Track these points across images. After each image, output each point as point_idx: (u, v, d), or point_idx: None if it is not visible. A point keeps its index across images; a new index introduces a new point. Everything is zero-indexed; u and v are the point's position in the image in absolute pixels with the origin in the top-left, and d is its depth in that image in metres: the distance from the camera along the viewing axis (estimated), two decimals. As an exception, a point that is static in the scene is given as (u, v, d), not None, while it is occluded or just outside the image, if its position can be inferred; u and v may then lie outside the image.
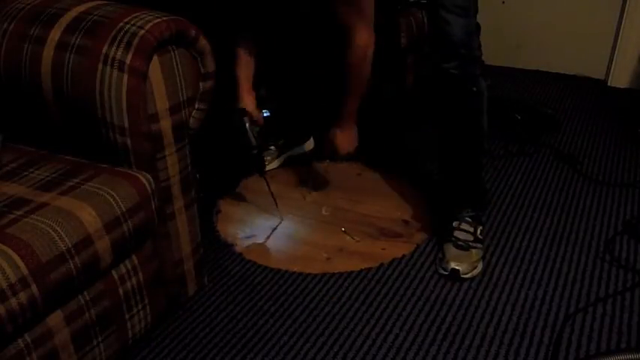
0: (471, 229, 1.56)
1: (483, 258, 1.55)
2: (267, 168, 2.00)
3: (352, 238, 1.66)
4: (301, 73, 2.01)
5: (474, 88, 1.47)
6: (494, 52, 2.81)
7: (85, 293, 1.06)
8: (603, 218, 1.73)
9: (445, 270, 1.49)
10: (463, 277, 1.48)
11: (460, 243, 1.53)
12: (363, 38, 1.58)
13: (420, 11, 2.21)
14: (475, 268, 1.50)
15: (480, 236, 1.57)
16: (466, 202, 1.60)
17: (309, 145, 2.15)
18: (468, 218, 1.57)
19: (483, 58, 2.10)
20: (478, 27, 1.52)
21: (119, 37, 1.13)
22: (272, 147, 2.07)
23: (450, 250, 1.52)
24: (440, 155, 1.63)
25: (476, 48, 1.50)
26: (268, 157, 2.04)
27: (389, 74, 2.19)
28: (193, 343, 1.31)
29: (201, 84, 1.27)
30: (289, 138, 2.11)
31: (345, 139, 1.77)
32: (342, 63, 1.63)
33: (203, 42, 1.22)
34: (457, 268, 1.47)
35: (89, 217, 1.02)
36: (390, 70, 2.19)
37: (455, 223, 1.57)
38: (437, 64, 1.45)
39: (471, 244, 1.53)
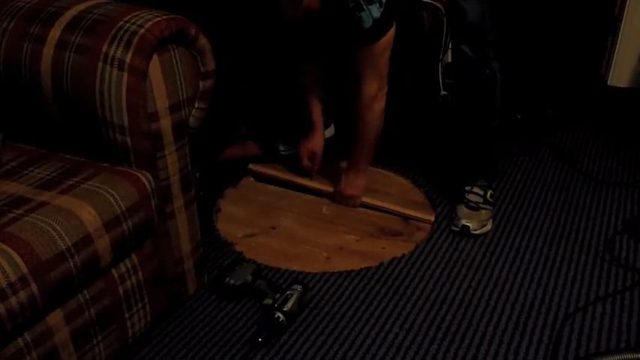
0: (482, 192, 1.72)
1: (493, 219, 1.71)
2: (294, 152, 2.07)
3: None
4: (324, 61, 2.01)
5: (487, 71, 1.61)
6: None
7: (85, 292, 1.06)
8: (603, 217, 1.73)
9: (456, 226, 1.65)
10: (473, 233, 1.64)
11: (471, 204, 1.68)
12: (372, 89, 1.62)
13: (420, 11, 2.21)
14: (484, 226, 1.66)
15: (489, 199, 1.72)
16: (478, 171, 1.76)
17: (330, 131, 2.18)
18: (479, 183, 1.73)
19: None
20: (491, 12, 1.64)
21: (119, 36, 1.13)
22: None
23: (462, 209, 1.68)
24: (455, 129, 1.77)
25: (488, 32, 1.60)
26: (284, 147, 2.11)
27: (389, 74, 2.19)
28: (193, 342, 1.31)
29: (201, 83, 1.27)
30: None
31: (350, 184, 1.80)
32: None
33: (203, 41, 1.22)
34: (467, 224, 1.64)
35: (89, 216, 1.02)
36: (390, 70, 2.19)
37: (467, 188, 1.73)
38: (455, 47, 1.61)
39: (480, 205, 1.69)
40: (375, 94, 1.63)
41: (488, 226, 1.68)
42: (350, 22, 1.50)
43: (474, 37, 1.61)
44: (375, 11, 1.48)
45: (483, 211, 1.68)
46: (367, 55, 1.56)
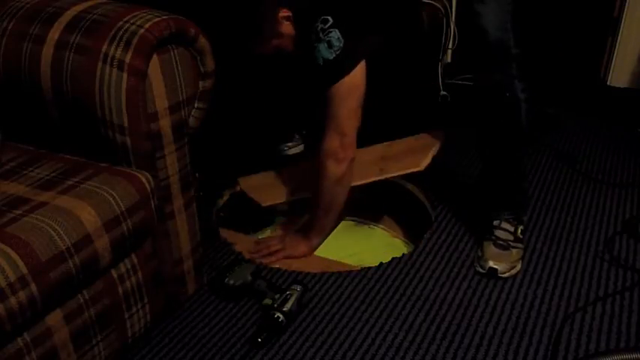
0: (512, 229, 1.53)
1: (522, 258, 1.53)
2: (291, 153, 2.10)
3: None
4: None
5: (507, 94, 1.38)
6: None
7: (85, 292, 1.06)
8: (603, 218, 1.73)
9: (483, 268, 1.47)
10: (501, 276, 1.46)
11: (500, 242, 1.50)
12: (329, 144, 1.46)
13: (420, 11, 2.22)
14: (514, 267, 1.48)
15: (520, 236, 1.54)
16: (508, 203, 1.56)
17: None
18: (509, 218, 1.54)
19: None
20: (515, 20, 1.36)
21: (119, 36, 1.13)
22: (296, 134, 2.15)
23: (490, 248, 1.50)
24: (482, 157, 1.59)
25: (512, 46, 1.35)
26: (290, 144, 2.12)
27: (388, 74, 2.19)
28: (192, 342, 1.31)
29: (200, 83, 1.27)
30: (312, 128, 2.13)
31: (294, 244, 1.61)
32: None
33: (203, 41, 1.22)
34: (495, 267, 1.45)
35: (88, 216, 1.02)
36: (390, 70, 2.19)
37: (496, 222, 1.53)
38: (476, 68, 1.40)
39: (511, 243, 1.50)
40: (332, 150, 1.45)
41: (518, 267, 1.48)
42: (310, 59, 1.41)
43: (493, 51, 1.34)
44: (325, 51, 1.38)
45: (514, 251, 1.49)
46: (327, 99, 1.42)
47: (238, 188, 1.90)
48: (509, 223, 1.53)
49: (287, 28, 1.48)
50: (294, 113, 2.18)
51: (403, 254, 1.59)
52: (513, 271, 1.47)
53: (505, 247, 1.49)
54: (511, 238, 1.51)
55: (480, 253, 1.51)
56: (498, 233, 1.51)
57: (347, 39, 1.38)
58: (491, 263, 1.46)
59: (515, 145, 1.49)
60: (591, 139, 2.22)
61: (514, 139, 1.47)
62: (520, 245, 1.52)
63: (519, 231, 1.54)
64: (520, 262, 1.51)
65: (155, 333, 1.33)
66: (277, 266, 1.54)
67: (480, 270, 1.48)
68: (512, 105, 1.40)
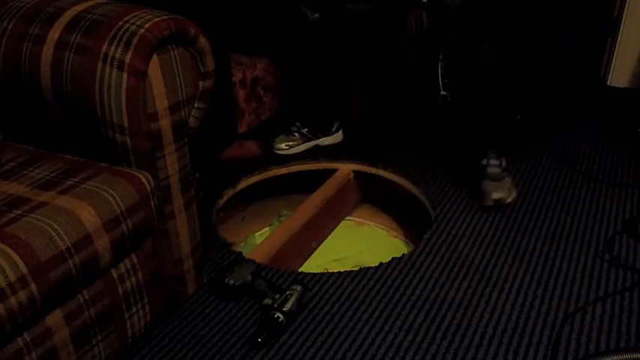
0: (498, 162, 1.79)
1: (516, 185, 1.81)
2: (291, 152, 2.03)
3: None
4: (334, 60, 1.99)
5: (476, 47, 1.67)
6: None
7: (85, 292, 1.06)
8: (603, 218, 1.73)
9: (489, 202, 1.72)
10: (506, 203, 1.72)
11: (494, 176, 1.75)
12: None
13: (420, 10, 2.21)
14: (511, 194, 1.75)
15: (505, 166, 1.80)
16: (491, 141, 1.82)
17: (338, 137, 2.14)
18: (493, 154, 1.79)
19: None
20: None
21: (119, 36, 1.13)
22: (296, 133, 2.07)
23: (488, 184, 1.74)
24: (465, 106, 1.85)
25: (466, 10, 1.65)
26: (290, 143, 2.05)
27: (389, 75, 2.19)
28: (193, 342, 1.31)
29: (200, 83, 1.27)
30: (316, 126, 2.09)
31: None
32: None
33: (202, 41, 1.22)
34: (498, 197, 1.71)
35: (88, 216, 1.02)
36: (390, 71, 2.19)
37: (484, 161, 1.78)
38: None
39: (501, 174, 1.77)
40: None
41: (514, 194, 1.76)
42: None
43: (457, 20, 1.67)
44: None
45: (506, 180, 1.75)
46: None
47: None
48: (495, 159, 1.78)
49: None
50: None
51: (403, 254, 1.59)
52: (511, 198, 1.74)
53: (498, 178, 1.74)
54: (500, 170, 1.77)
55: (480, 191, 1.74)
56: (490, 170, 1.76)
57: None
58: (494, 195, 1.70)
59: (486, 92, 1.79)
60: (591, 139, 2.22)
61: (485, 87, 1.77)
62: (508, 175, 1.78)
63: (504, 163, 1.80)
64: (514, 189, 1.77)
65: (155, 333, 1.33)
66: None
67: (488, 204, 1.72)
68: (481, 56, 1.73)
